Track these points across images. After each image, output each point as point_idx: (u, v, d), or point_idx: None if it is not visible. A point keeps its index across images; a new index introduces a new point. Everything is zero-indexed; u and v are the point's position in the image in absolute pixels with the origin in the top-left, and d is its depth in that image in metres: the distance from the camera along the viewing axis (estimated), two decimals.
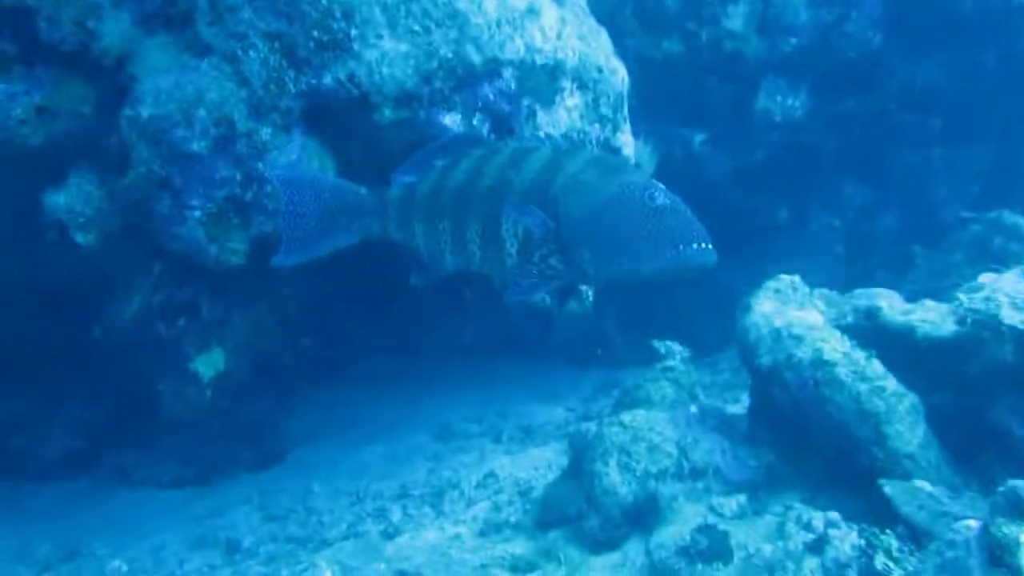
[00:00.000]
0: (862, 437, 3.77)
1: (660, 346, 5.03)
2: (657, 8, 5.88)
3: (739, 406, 4.93)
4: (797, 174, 7.32)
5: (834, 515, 3.64)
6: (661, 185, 3.27)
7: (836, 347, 3.94)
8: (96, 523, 5.53)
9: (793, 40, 6.04)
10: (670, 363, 4.91)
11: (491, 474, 5.18)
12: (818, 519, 3.66)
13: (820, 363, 3.90)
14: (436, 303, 6.61)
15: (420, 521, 4.81)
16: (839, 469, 3.93)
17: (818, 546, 3.58)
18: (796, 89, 6.27)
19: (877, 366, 3.85)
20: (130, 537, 5.25)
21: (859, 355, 3.89)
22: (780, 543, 3.69)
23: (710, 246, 3.19)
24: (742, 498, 4.09)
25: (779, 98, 6.24)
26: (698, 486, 4.24)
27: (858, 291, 4.59)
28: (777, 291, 4.35)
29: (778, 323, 4.18)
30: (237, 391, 5.37)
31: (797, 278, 4.44)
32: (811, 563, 3.56)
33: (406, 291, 6.52)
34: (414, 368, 7.26)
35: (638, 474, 4.25)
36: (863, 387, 3.79)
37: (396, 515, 4.95)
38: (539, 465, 5.25)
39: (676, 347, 5.03)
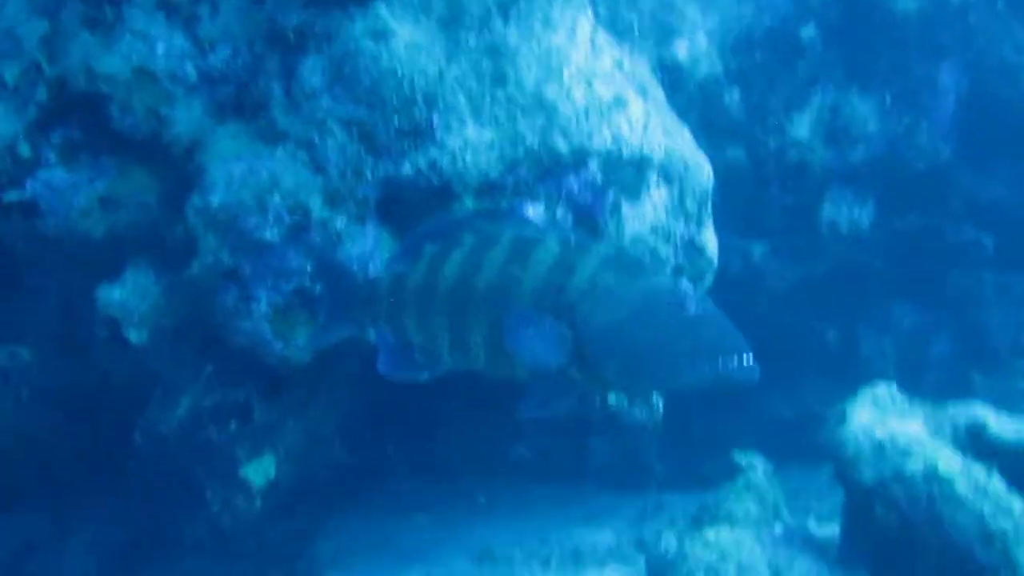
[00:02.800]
0: (987, 562, 3.44)
1: (741, 458, 4.74)
2: (722, 115, 5.80)
3: (828, 527, 4.66)
4: (847, 292, 7.15)
5: None
6: (688, 285, 3.04)
7: (952, 460, 3.66)
8: None
9: (861, 149, 5.93)
10: (752, 477, 4.61)
11: None
12: None
13: (935, 478, 3.62)
14: (484, 418, 6.38)
15: None
16: None
17: None
18: (863, 200, 6.13)
19: (999, 483, 3.56)
20: None
21: (978, 470, 3.60)
22: None
23: (752, 358, 2.89)
24: None
25: (845, 209, 6.10)
26: None
27: (951, 404, 4.34)
28: (875, 400, 4.09)
29: (880, 434, 3.91)
30: (284, 504, 5.09)
31: (894, 386, 4.19)
32: None
33: (448, 409, 6.39)
34: (447, 490, 7.03)
35: None
36: (987, 506, 3.49)
37: None
38: None
39: (758, 460, 4.73)
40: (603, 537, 5.84)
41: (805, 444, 6.87)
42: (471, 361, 3.29)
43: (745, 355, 2.88)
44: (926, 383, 6.93)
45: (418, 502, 6.84)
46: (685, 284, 3.04)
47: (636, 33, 5.54)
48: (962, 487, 3.52)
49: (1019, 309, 7.63)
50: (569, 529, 6.04)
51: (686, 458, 7.04)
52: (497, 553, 5.74)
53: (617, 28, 5.16)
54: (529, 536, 5.94)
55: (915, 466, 3.64)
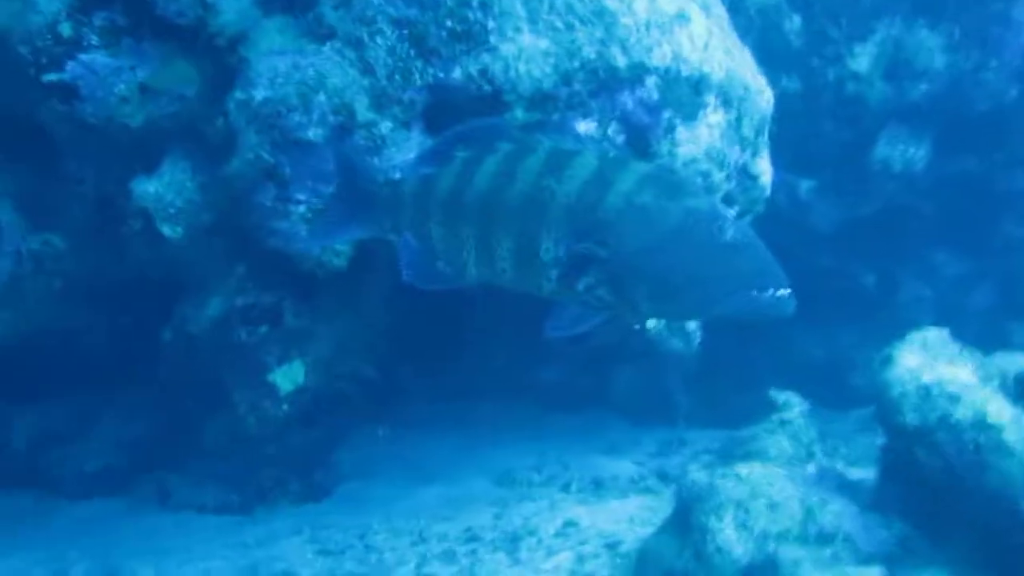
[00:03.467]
0: None
1: (778, 396, 4.66)
2: (780, 42, 5.59)
3: (857, 471, 4.61)
4: (891, 236, 7.00)
5: None
6: (729, 212, 2.90)
7: (1002, 409, 3.54)
8: (135, 544, 5.22)
9: (923, 86, 5.71)
10: (788, 415, 4.54)
11: (571, 523, 4.85)
12: None
13: (984, 425, 3.49)
14: (510, 340, 6.33)
15: (495, 568, 4.47)
16: (993, 547, 3.50)
17: None
18: (919, 139, 5.93)
19: None
20: (173, 561, 4.93)
21: None
22: None
23: (788, 292, 2.74)
24: (878, 570, 3.66)
25: (901, 147, 5.90)
26: (825, 553, 3.81)
27: (1000, 354, 4.23)
28: (924, 344, 3.97)
29: (927, 378, 3.78)
30: (308, 412, 5.06)
31: (946, 331, 4.07)
32: None
33: (476, 330, 6.33)
34: (465, 413, 7.03)
35: (756, 533, 3.83)
36: None
37: (466, 559, 4.60)
38: (621, 518, 4.93)
39: (795, 399, 4.66)
40: (624, 467, 5.80)
41: (835, 387, 6.85)
42: (498, 274, 3.17)
43: (781, 287, 2.78)
44: (964, 333, 6.80)
45: (439, 422, 6.87)
46: (724, 209, 2.93)
47: None
48: (1012, 436, 3.41)
49: None
50: (590, 457, 6.02)
51: (711, 394, 7.00)
52: (517, 476, 5.72)
53: None
54: (549, 462, 5.92)
55: (963, 412, 3.52)
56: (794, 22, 5.69)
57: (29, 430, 5.84)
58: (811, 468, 4.24)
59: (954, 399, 3.65)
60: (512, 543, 4.63)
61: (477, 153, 3.20)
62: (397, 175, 3.71)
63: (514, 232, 3.05)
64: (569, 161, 3.02)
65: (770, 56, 5.46)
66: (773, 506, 3.86)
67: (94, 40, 3.92)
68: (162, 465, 5.85)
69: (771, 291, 2.78)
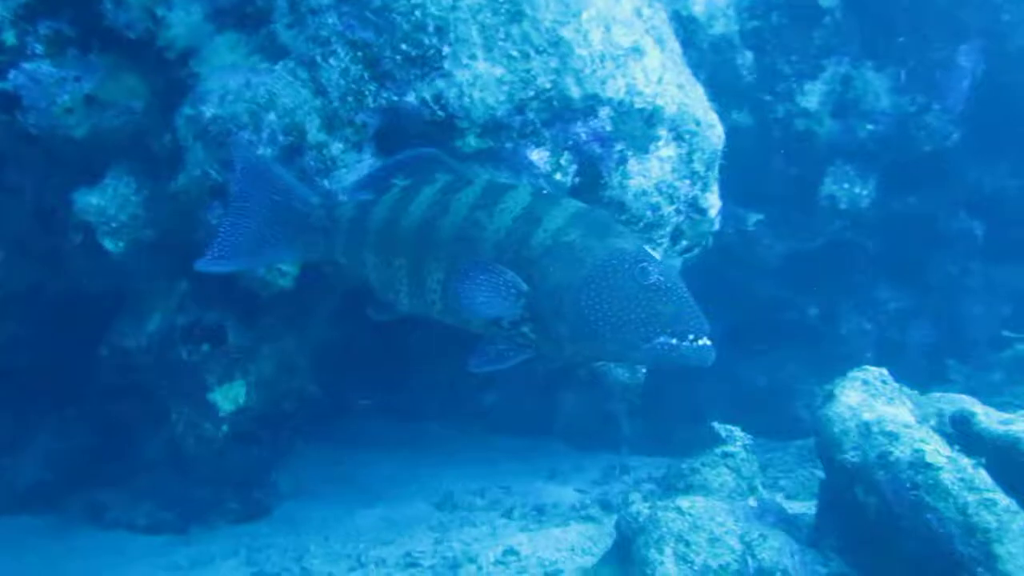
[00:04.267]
0: (967, 554, 3.37)
1: (721, 429, 4.68)
2: (732, 76, 5.64)
3: (796, 505, 4.63)
4: (835, 270, 7.09)
5: None
6: (654, 254, 2.90)
7: (939, 450, 3.59)
8: (64, 563, 5.09)
9: (870, 126, 5.81)
10: (731, 449, 4.55)
11: (511, 551, 4.81)
12: None
13: (922, 465, 3.54)
14: (455, 363, 6.28)
15: None
16: None
17: None
18: (865, 177, 6.02)
19: (985, 476, 3.50)
20: None
21: (965, 462, 3.54)
22: None
23: (708, 341, 2.80)
24: None
25: (847, 185, 5.99)
26: None
27: (936, 394, 4.29)
28: (865, 382, 4.02)
29: (867, 417, 3.84)
30: (248, 430, 4.97)
31: (885, 371, 4.12)
32: None
33: (421, 352, 6.28)
34: (410, 433, 6.96)
35: (696, 567, 3.85)
36: (971, 498, 3.42)
37: None
38: (562, 547, 4.89)
39: (738, 432, 4.68)
40: (567, 494, 5.78)
41: (775, 417, 6.91)
42: (428, 306, 3.14)
43: (701, 335, 2.78)
44: (902, 367, 6.91)
45: (382, 442, 6.79)
46: (649, 251, 2.91)
47: None
48: (948, 477, 3.45)
49: (1001, 302, 7.62)
50: (533, 483, 5.99)
51: (655, 421, 7.01)
52: (458, 500, 5.67)
53: None
54: (492, 486, 5.88)
55: (902, 452, 3.56)
56: (746, 57, 5.76)
57: None
58: (752, 502, 4.27)
59: (893, 437, 3.69)
60: (452, 570, 4.56)
61: (415, 182, 3.17)
62: (338, 199, 3.65)
63: (444, 264, 3.03)
64: (503, 196, 2.99)
65: (722, 90, 5.51)
66: (713, 540, 3.87)
67: (38, 49, 3.83)
68: (96, 482, 5.71)
69: (691, 338, 2.77)
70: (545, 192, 3.07)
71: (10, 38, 3.79)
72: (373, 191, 3.24)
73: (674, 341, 2.78)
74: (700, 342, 2.80)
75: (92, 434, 5.76)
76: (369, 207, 3.24)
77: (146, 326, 4.57)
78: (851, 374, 4.09)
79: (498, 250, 2.94)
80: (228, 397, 4.46)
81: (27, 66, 3.82)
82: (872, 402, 3.93)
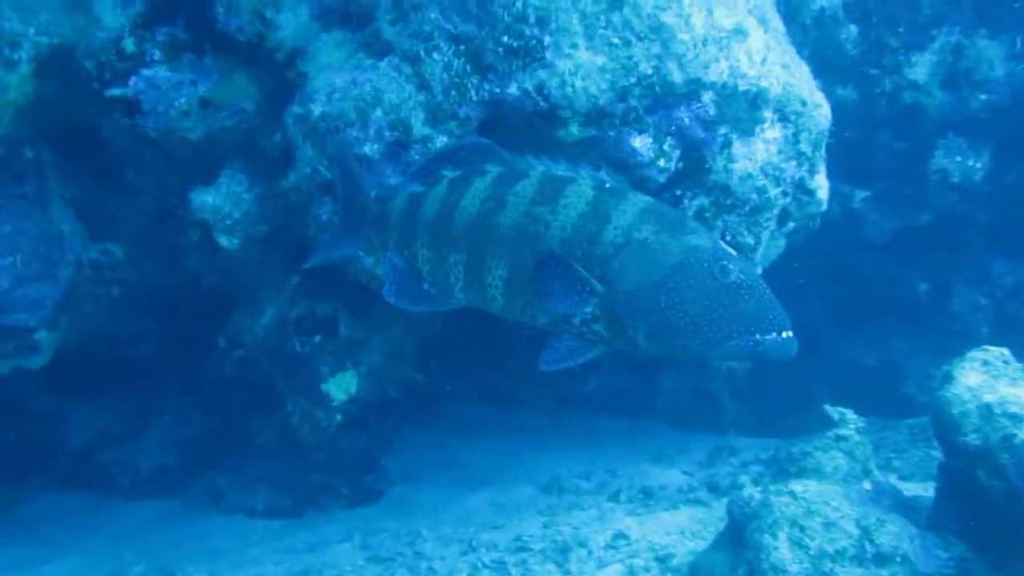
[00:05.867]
0: None
1: (833, 412, 4.60)
2: (836, 52, 5.51)
3: (912, 486, 4.53)
4: (946, 245, 6.88)
5: None
6: (731, 251, 2.83)
7: None
8: (189, 546, 5.29)
9: (983, 96, 5.61)
10: (844, 432, 4.48)
11: (621, 535, 4.79)
12: None
13: None
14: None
15: None
16: None
17: None
18: (978, 150, 5.82)
19: None
20: (225, 565, 5.00)
21: None
22: None
23: (791, 335, 2.73)
24: None
25: (959, 158, 5.80)
26: (883, 574, 3.76)
27: None
28: (985, 363, 3.89)
29: (989, 398, 3.71)
30: (359, 418, 5.09)
31: (1006, 351, 3.99)
32: None
33: (521, 337, 6.32)
34: (513, 418, 7.01)
35: (812, 552, 3.79)
36: None
37: (516, 570, 4.57)
38: (672, 531, 4.86)
39: (850, 415, 4.60)
40: (673, 477, 5.74)
41: (885, 396, 6.76)
42: (487, 301, 3.12)
43: (784, 330, 2.74)
44: (1021, 343, 6.69)
45: (485, 426, 6.86)
46: (726, 246, 2.87)
47: None
48: None
49: None
50: (638, 465, 5.96)
51: (760, 401, 6.93)
52: (565, 483, 5.67)
53: None
54: (597, 469, 5.87)
55: None
56: (851, 31, 5.62)
57: (84, 431, 5.94)
58: (867, 485, 4.17)
59: (1017, 420, 3.58)
60: (562, 554, 4.58)
61: (465, 174, 3.17)
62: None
63: (507, 261, 3.02)
64: (564, 189, 2.96)
65: (826, 66, 5.41)
66: (829, 525, 3.82)
67: (156, 55, 3.97)
68: (214, 467, 5.93)
69: (774, 334, 2.74)
70: (608, 185, 3.02)
71: (130, 45, 3.94)
72: (422, 182, 3.26)
73: (758, 337, 2.75)
74: (783, 336, 2.76)
75: (210, 422, 6.00)
76: (419, 200, 3.24)
77: (261, 319, 4.72)
78: (970, 354, 3.96)
79: (566, 247, 2.91)
80: (340, 387, 4.58)
81: (146, 72, 3.97)
82: (993, 383, 3.81)
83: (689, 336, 2.81)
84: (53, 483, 5.98)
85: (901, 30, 5.60)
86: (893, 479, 4.82)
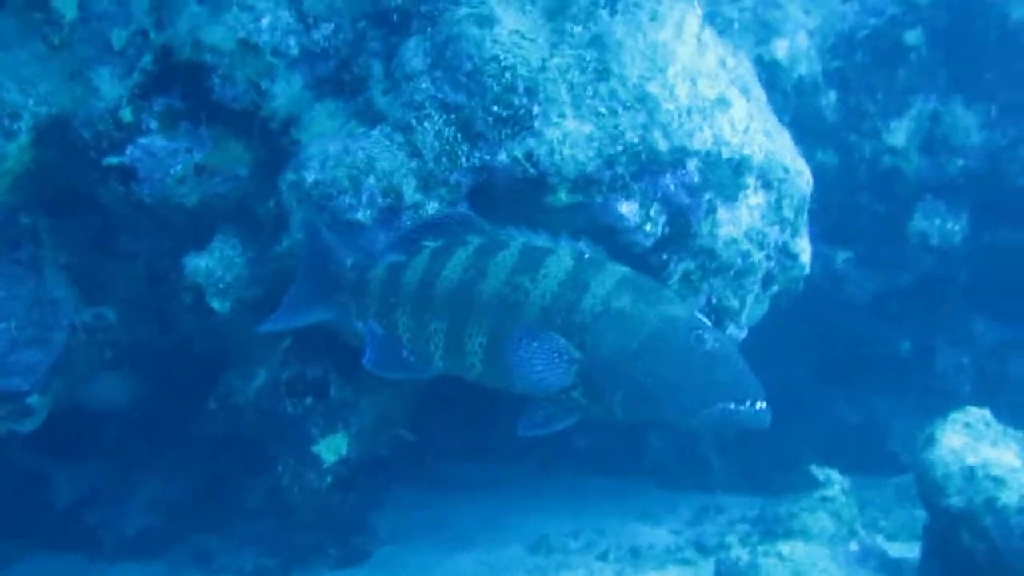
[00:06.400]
0: None
1: (819, 473, 4.66)
2: (816, 118, 5.66)
3: (898, 546, 4.57)
4: (927, 305, 6.98)
5: None
6: (706, 321, 2.92)
7: None
8: None
9: (960, 161, 5.76)
10: (830, 493, 4.53)
11: None
12: None
13: None
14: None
15: None
16: None
17: None
18: (956, 213, 5.96)
19: None
20: None
21: None
22: None
23: (764, 405, 2.83)
24: None
25: (937, 221, 5.93)
26: None
27: None
28: (967, 425, 3.98)
29: (971, 461, 3.80)
30: (348, 479, 5.10)
31: (987, 412, 4.07)
32: None
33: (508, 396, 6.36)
34: (500, 474, 7.01)
35: None
36: None
37: None
38: None
39: (835, 475, 4.65)
40: (661, 536, 5.77)
41: (870, 453, 6.80)
42: (466, 369, 3.20)
43: (758, 399, 2.80)
44: (1004, 401, 6.76)
45: (473, 484, 6.86)
46: (701, 316, 2.94)
47: (736, 28, 5.43)
48: None
49: None
50: (626, 524, 5.98)
51: (746, 459, 6.95)
52: (553, 542, 5.69)
53: (716, 24, 5.04)
54: (585, 528, 5.88)
55: (1010, 496, 3.53)
56: (830, 98, 5.77)
57: (71, 490, 5.92)
58: (854, 547, 4.24)
59: (1000, 483, 3.65)
60: None
61: (446, 244, 3.25)
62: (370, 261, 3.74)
63: (487, 328, 3.10)
64: (543, 260, 3.05)
65: (807, 131, 5.54)
66: None
67: (153, 124, 4.06)
68: (201, 528, 5.90)
69: (748, 403, 2.81)
70: (587, 256, 3.11)
71: (127, 115, 4.03)
72: (403, 252, 3.33)
73: (732, 406, 2.82)
74: (758, 406, 2.83)
75: (196, 483, 5.98)
76: (400, 269, 3.33)
77: (253, 381, 4.75)
78: (952, 416, 4.05)
79: (545, 315, 2.99)
80: (331, 448, 4.60)
81: (143, 140, 4.05)
82: (976, 445, 3.90)
83: (664, 404, 2.88)
84: (41, 544, 5.93)
85: (879, 97, 5.76)
86: (879, 539, 4.87)
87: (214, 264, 4.29)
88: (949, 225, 5.95)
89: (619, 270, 3.07)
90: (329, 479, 4.66)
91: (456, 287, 3.17)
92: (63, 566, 5.88)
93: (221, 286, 4.32)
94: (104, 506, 5.93)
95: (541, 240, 3.19)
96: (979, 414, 4.01)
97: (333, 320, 3.77)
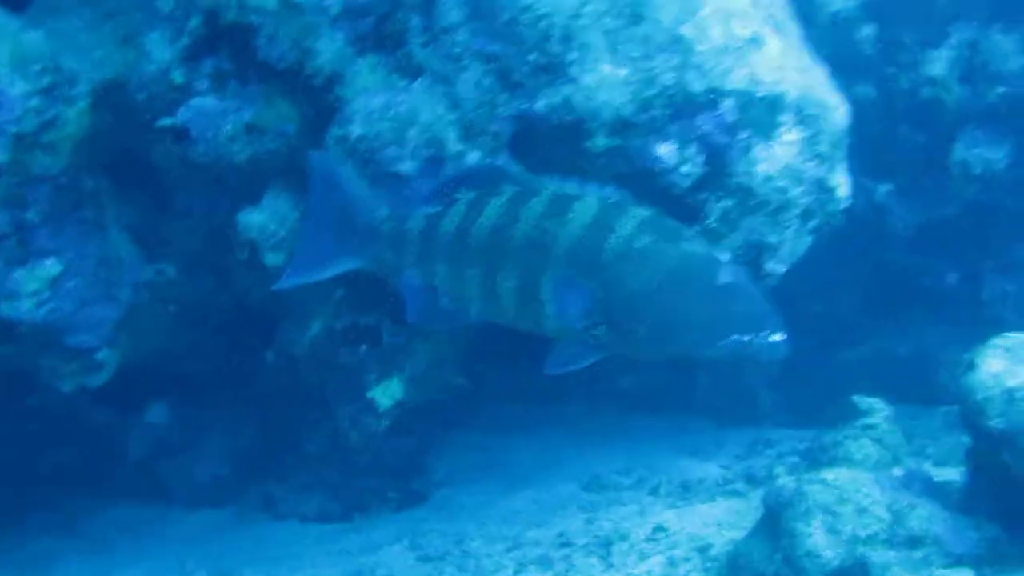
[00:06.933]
0: None
1: (861, 402, 4.74)
2: (853, 52, 5.65)
3: (945, 471, 4.63)
4: (972, 234, 6.95)
5: None
6: (726, 256, 3.00)
7: None
8: (247, 552, 5.50)
9: (1000, 89, 5.72)
10: (872, 421, 4.62)
11: (660, 527, 4.92)
12: None
13: None
14: None
15: (589, 572, 4.57)
16: None
17: None
18: (999, 141, 5.92)
19: None
20: (284, 568, 5.17)
21: None
22: None
23: (783, 335, 2.91)
24: (968, 572, 3.74)
25: (979, 150, 5.91)
26: (915, 555, 3.90)
27: None
28: (1008, 349, 4.02)
29: (1011, 383, 3.85)
30: (403, 423, 5.27)
31: None
32: None
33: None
34: (551, 416, 7.14)
35: (845, 538, 3.94)
36: None
37: (561, 564, 4.72)
38: (710, 522, 4.98)
39: (878, 404, 4.73)
40: (711, 470, 5.85)
41: (919, 385, 6.84)
42: (500, 313, 3.32)
43: (775, 331, 2.89)
44: None
45: (524, 426, 7.00)
46: (720, 252, 3.02)
47: None
48: None
49: None
50: (676, 461, 6.07)
51: (795, 394, 7.02)
52: (605, 480, 5.79)
53: None
54: (636, 466, 5.98)
55: None
56: (867, 30, 5.75)
57: (143, 443, 6.17)
58: (898, 472, 4.32)
59: None
60: (604, 548, 4.73)
61: (481, 195, 3.36)
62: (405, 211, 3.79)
63: (517, 273, 3.22)
64: (571, 205, 3.16)
65: (844, 66, 5.52)
66: (861, 511, 3.96)
67: (203, 85, 4.20)
68: (266, 476, 6.12)
69: (764, 334, 2.90)
70: (612, 200, 3.21)
71: (178, 77, 4.17)
72: (439, 204, 3.44)
73: (747, 338, 2.91)
74: (773, 337, 2.91)
75: (260, 432, 6.20)
76: (437, 219, 3.44)
77: (308, 331, 4.92)
78: (991, 341, 4.09)
79: (571, 257, 3.10)
80: (387, 393, 4.76)
81: (194, 101, 4.19)
82: (1015, 368, 3.94)
83: (682, 337, 3.00)
84: (117, 496, 6.20)
85: (917, 27, 5.72)
86: (927, 465, 4.93)
87: (267, 219, 4.44)
88: (991, 154, 5.92)
89: (641, 212, 3.17)
90: (386, 423, 4.83)
91: (490, 235, 3.29)
92: (139, 514, 6.14)
93: (275, 240, 4.47)
94: (174, 457, 6.17)
95: (570, 187, 3.28)
96: (1019, 338, 4.04)
97: (367, 270, 3.86)
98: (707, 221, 4.11)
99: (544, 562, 4.74)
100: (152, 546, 5.70)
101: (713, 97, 3.96)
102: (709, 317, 2.93)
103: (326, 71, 4.18)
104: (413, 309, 3.52)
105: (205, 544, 5.67)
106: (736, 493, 5.33)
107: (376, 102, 4.02)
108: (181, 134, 4.26)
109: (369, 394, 4.77)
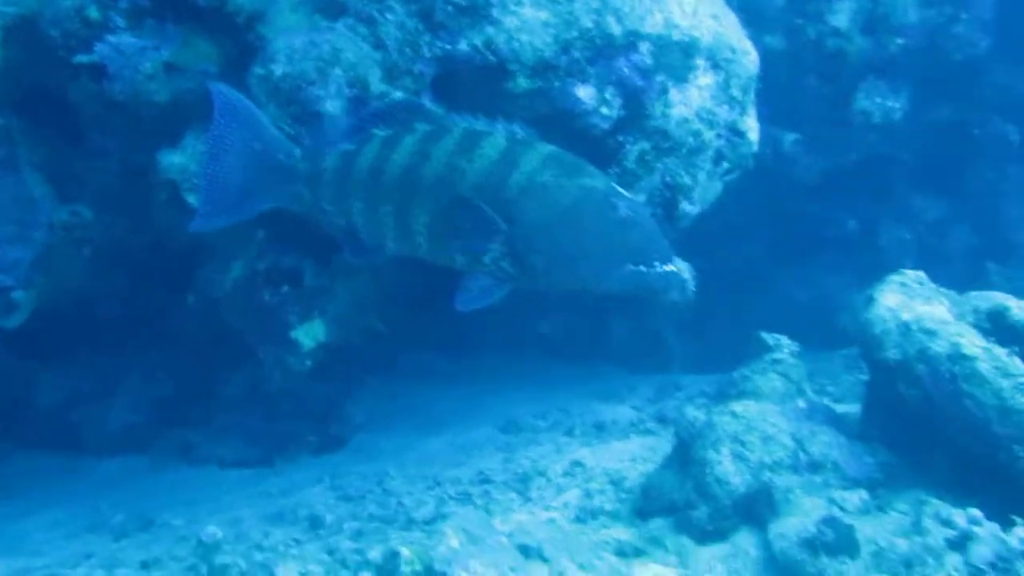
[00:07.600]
0: (1003, 434, 3.64)
1: (768, 338, 4.95)
2: (763, 2, 5.81)
3: (844, 406, 4.87)
4: (872, 183, 7.24)
5: (976, 512, 3.53)
6: (623, 192, 3.14)
7: (975, 342, 3.84)
8: (163, 497, 5.47)
9: (899, 40, 5.96)
10: (778, 356, 4.83)
11: (578, 463, 5.06)
12: (959, 516, 3.55)
13: (959, 357, 3.79)
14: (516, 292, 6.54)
15: (508, 506, 4.69)
16: (970, 468, 3.80)
17: (960, 543, 3.47)
18: (897, 91, 6.18)
19: (1019, 363, 3.73)
20: (203, 511, 5.18)
21: (1000, 351, 3.78)
22: (917, 539, 3.58)
23: (673, 267, 3.04)
24: (864, 494, 3.98)
25: (879, 99, 6.16)
26: (816, 479, 4.13)
27: (973, 293, 4.50)
28: (903, 285, 4.25)
29: (906, 316, 4.08)
30: (323, 366, 5.30)
31: (922, 273, 4.35)
32: (953, 559, 3.45)
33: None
34: (469, 363, 7.24)
35: (752, 464, 4.14)
36: (1006, 383, 3.67)
37: (481, 499, 4.83)
38: (624, 458, 5.13)
39: (785, 340, 4.95)
40: (623, 412, 6.04)
41: (822, 328, 7.14)
42: (415, 248, 3.38)
43: (667, 262, 3.03)
44: (944, 273, 7.09)
45: (442, 373, 7.09)
46: (618, 188, 3.14)
47: None
48: (984, 366, 3.69)
49: None
50: (590, 404, 6.26)
51: (704, 339, 7.25)
52: (522, 423, 5.94)
53: None
54: (552, 409, 6.16)
55: (940, 346, 3.81)
56: None
57: (55, 391, 6.06)
58: (801, 404, 4.53)
59: (931, 334, 3.93)
60: (523, 483, 4.85)
61: (395, 132, 3.41)
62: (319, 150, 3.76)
63: (427, 207, 3.28)
64: (480, 141, 3.24)
65: (754, 16, 5.69)
66: (767, 439, 4.17)
67: (120, 22, 4.12)
68: (183, 422, 6.08)
69: (657, 266, 3.03)
70: (520, 137, 3.30)
71: (94, 13, 4.08)
72: (354, 141, 3.48)
73: (642, 268, 3.03)
74: (666, 268, 3.04)
75: (176, 377, 6.15)
76: (352, 157, 3.45)
77: (229, 272, 4.90)
78: (888, 278, 4.31)
79: (478, 191, 3.16)
80: (309, 334, 4.78)
81: (111, 39, 4.11)
82: (910, 302, 4.15)
83: (580, 268, 3.07)
84: (24, 444, 6.09)
85: None
86: (827, 401, 5.18)
87: (187, 160, 4.41)
88: (890, 103, 6.18)
89: (545, 148, 3.25)
90: (309, 363, 4.86)
91: (403, 171, 3.33)
92: (51, 463, 6.04)
93: (195, 180, 4.44)
94: (87, 404, 6.08)
95: (480, 125, 3.34)
96: (914, 275, 4.27)
97: (285, 209, 3.85)
98: (624, 163, 4.22)
99: (464, 498, 4.83)
100: (64, 493, 5.65)
101: (631, 40, 4.06)
102: (605, 249, 3.02)
103: (248, 10, 4.16)
104: (348, 247, 3.55)
105: (120, 490, 5.64)
106: (649, 432, 5.50)
107: (299, 42, 4.02)
108: (98, 72, 4.19)
109: (292, 335, 4.79)
